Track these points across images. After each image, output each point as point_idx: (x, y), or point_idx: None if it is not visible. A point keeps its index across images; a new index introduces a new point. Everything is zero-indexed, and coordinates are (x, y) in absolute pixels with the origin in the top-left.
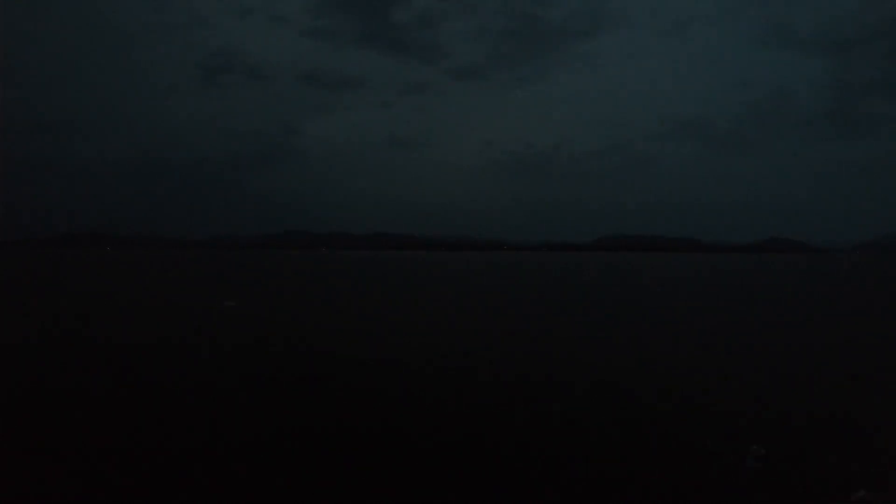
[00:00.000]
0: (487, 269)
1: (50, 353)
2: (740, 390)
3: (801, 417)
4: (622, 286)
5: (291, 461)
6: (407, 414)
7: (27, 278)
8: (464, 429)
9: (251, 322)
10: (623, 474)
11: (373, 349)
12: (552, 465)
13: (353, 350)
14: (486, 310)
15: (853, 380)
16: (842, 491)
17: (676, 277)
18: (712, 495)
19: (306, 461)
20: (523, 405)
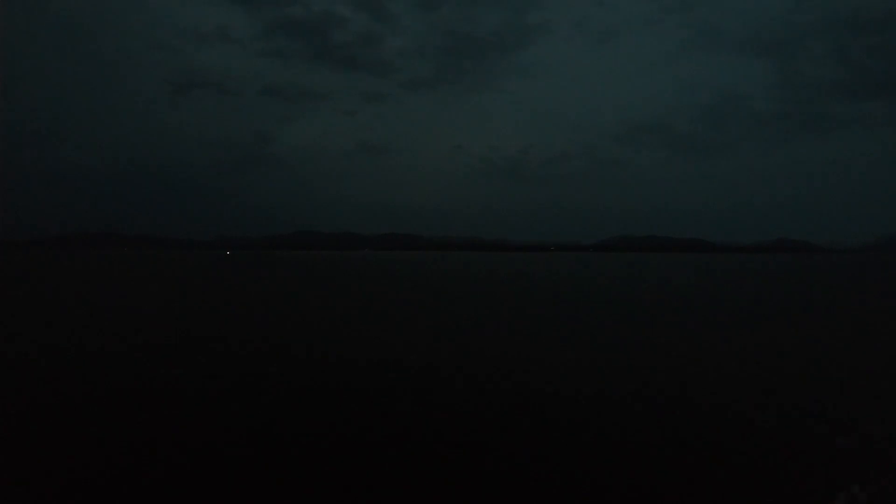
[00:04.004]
0: (496, 269)
1: (43, 354)
2: (743, 388)
3: (797, 413)
4: (638, 287)
5: (291, 463)
6: (407, 416)
7: (29, 278)
8: (466, 431)
9: (255, 323)
10: (624, 477)
11: (376, 350)
12: (554, 470)
13: (358, 350)
14: (499, 311)
15: (856, 377)
16: (835, 486)
17: (691, 278)
18: (710, 490)
19: (307, 463)
20: (527, 408)
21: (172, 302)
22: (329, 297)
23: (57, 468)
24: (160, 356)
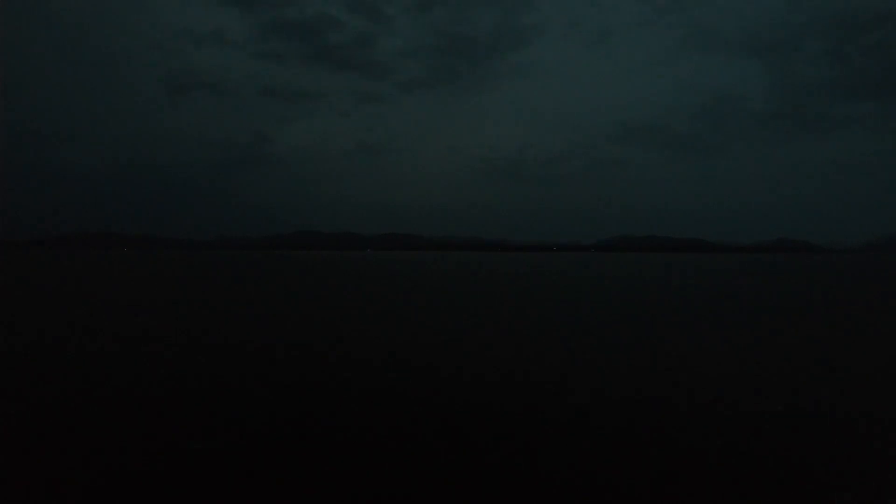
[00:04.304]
0: (499, 269)
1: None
2: (742, 389)
3: (795, 413)
4: (641, 286)
5: (291, 464)
6: (407, 416)
7: (29, 278)
8: (467, 432)
9: (257, 322)
10: (624, 477)
11: (379, 351)
12: (555, 471)
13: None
14: (502, 311)
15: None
16: (833, 486)
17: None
18: (708, 490)
19: (306, 464)
20: (528, 408)
21: (173, 302)
22: (333, 297)
23: (56, 468)
24: (160, 356)
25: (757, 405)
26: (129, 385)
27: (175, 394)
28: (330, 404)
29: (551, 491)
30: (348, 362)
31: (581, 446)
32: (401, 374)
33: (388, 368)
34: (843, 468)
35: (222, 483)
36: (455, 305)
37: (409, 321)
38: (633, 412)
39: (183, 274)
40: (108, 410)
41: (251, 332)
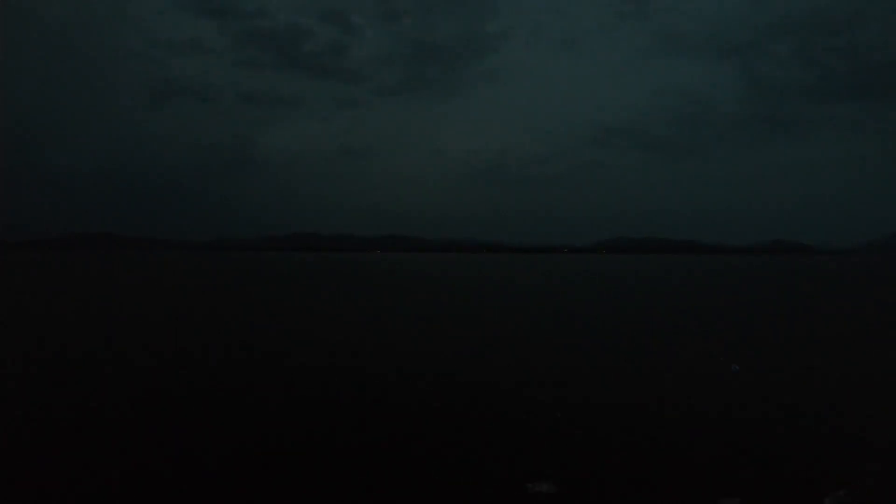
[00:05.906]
0: (502, 271)
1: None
2: (740, 391)
3: (789, 415)
4: (645, 288)
5: (290, 471)
6: (406, 418)
7: (30, 279)
8: (468, 435)
9: (253, 324)
10: (622, 478)
11: (375, 355)
12: (555, 473)
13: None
14: (512, 312)
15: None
16: (819, 491)
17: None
18: (704, 491)
19: (307, 471)
20: (528, 413)
21: (173, 304)
22: (349, 300)
23: (51, 471)
24: (160, 358)
25: (754, 405)
26: (128, 387)
27: (175, 396)
28: (330, 405)
29: (549, 491)
30: (355, 364)
31: (580, 447)
32: (406, 376)
33: (396, 371)
34: (840, 468)
35: (221, 487)
36: (474, 307)
37: (423, 323)
38: (633, 412)
39: (184, 276)
40: (106, 412)
41: (253, 335)
